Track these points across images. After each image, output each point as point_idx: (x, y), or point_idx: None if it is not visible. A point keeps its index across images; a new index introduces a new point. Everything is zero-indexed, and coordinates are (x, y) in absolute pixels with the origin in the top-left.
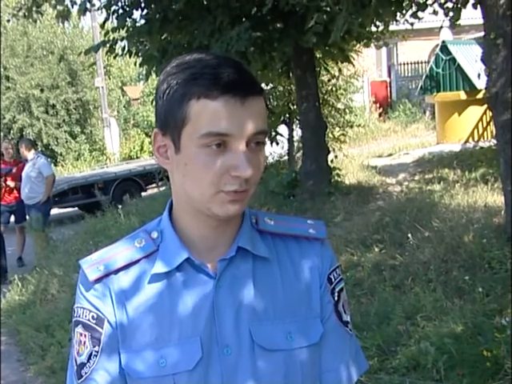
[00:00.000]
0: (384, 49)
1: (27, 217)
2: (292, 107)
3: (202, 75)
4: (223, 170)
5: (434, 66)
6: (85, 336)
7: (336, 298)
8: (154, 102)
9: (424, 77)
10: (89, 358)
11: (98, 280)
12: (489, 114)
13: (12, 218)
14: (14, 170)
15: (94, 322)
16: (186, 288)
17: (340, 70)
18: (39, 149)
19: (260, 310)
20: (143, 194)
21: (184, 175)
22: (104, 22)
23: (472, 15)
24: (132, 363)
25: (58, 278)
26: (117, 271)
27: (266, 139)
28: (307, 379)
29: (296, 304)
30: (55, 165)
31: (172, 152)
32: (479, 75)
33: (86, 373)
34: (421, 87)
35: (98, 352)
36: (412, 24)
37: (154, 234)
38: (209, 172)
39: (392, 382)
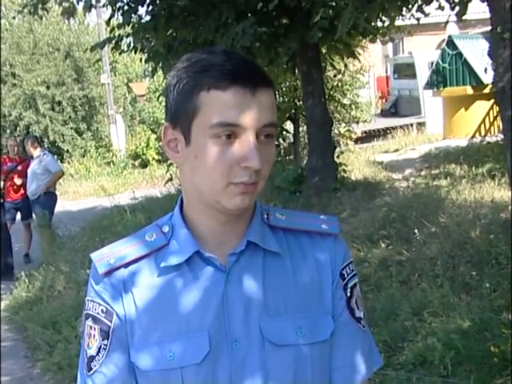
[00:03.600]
0: (390, 44)
1: (33, 214)
2: (298, 103)
3: (212, 67)
4: (233, 161)
5: (440, 61)
6: (94, 329)
7: (349, 294)
8: (160, 98)
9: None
10: (98, 351)
11: (108, 273)
12: (496, 108)
13: (18, 215)
14: (20, 168)
15: (103, 315)
16: (195, 281)
17: (346, 66)
18: (45, 145)
19: (270, 305)
20: None
21: (194, 168)
22: (109, 19)
23: (478, 9)
24: (140, 356)
25: (64, 275)
26: (127, 265)
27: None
28: (317, 375)
29: (307, 300)
30: (61, 161)
31: (182, 145)
32: (486, 70)
33: (95, 365)
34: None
35: (106, 345)
36: (418, 19)
37: (165, 229)
38: (219, 163)
39: (399, 378)
